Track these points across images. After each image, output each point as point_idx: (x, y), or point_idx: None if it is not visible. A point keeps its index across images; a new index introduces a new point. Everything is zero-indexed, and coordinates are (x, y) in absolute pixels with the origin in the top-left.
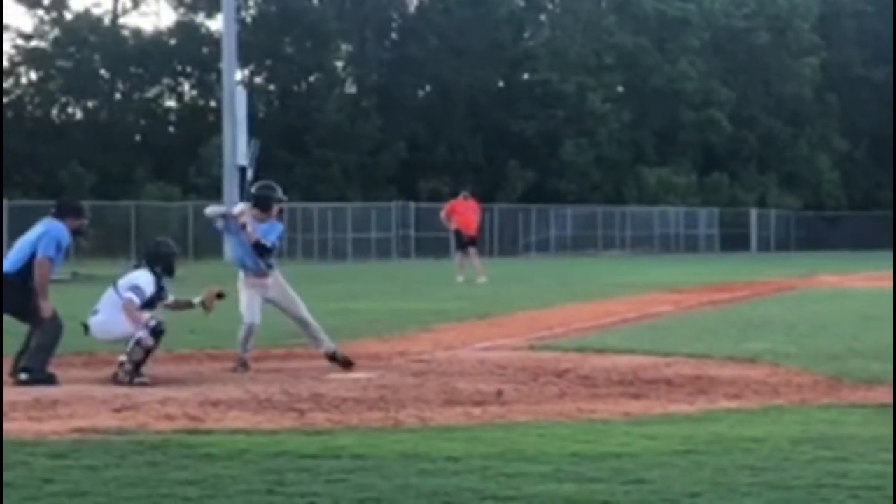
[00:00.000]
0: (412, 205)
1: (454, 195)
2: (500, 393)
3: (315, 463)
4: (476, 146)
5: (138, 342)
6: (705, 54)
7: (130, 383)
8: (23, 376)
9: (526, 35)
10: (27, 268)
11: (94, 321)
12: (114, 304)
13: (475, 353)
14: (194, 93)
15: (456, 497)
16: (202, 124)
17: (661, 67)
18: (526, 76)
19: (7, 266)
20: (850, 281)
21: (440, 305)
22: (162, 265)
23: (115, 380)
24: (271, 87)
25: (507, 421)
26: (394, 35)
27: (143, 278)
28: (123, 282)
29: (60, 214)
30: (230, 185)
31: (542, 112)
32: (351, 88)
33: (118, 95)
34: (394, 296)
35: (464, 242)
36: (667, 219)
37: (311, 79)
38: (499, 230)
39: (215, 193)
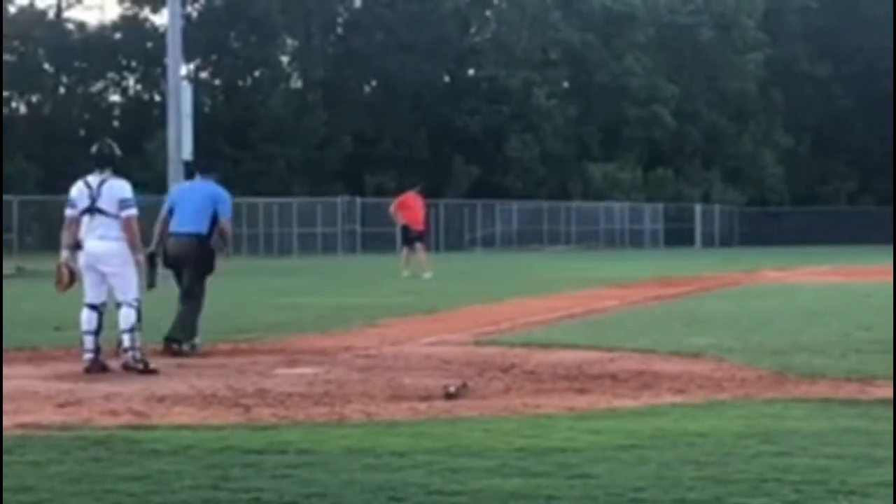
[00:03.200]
0: (358, 200)
1: (400, 190)
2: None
3: (260, 458)
4: (421, 141)
5: (132, 329)
6: (650, 50)
7: (147, 368)
8: (185, 347)
9: (472, 30)
10: (213, 229)
11: (106, 249)
12: (114, 233)
13: (421, 348)
14: (139, 87)
15: (401, 492)
16: (147, 119)
17: (607, 63)
18: (471, 71)
19: (202, 229)
20: (793, 276)
21: (386, 300)
22: (120, 167)
23: (125, 367)
24: (216, 81)
25: (452, 416)
26: (339, 30)
27: (126, 186)
28: (110, 200)
29: (207, 171)
30: (175, 180)
31: (488, 107)
32: (296, 83)
33: (62, 90)
34: (339, 291)
35: (410, 237)
36: (612, 214)
37: (257, 73)
38: (444, 225)
39: (160, 188)
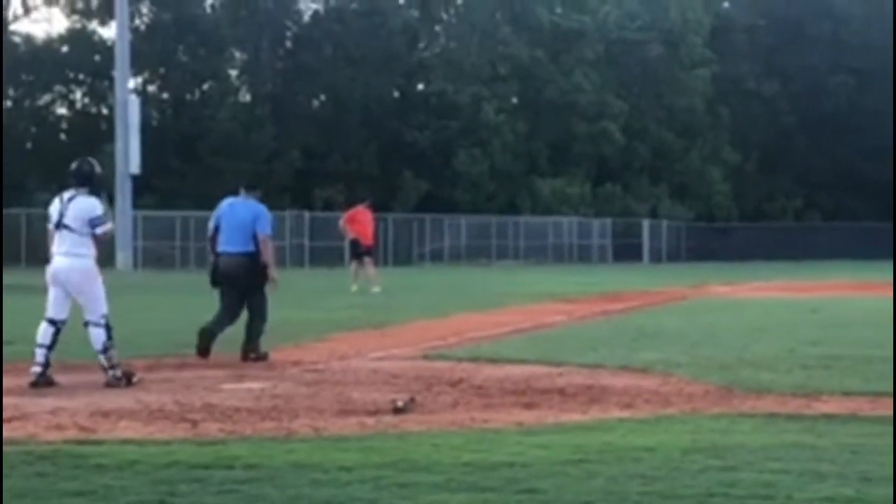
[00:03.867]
0: (306, 214)
1: (349, 204)
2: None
3: (207, 473)
4: (370, 156)
5: (105, 350)
6: (599, 66)
7: (130, 382)
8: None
9: (421, 45)
10: (257, 246)
11: (70, 265)
12: (81, 249)
13: (369, 362)
14: (86, 100)
15: None
16: (94, 132)
17: (556, 79)
18: (420, 86)
19: (249, 247)
20: (740, 291)
21: (334, 315)
22: (100, 187)
23: (107, 385)
24: (164, 94)
25: (400, 430)
26: (288, 44)
27: (97, 204)
28: (75, 218)
29: (251, 188)
30: (122, 194)
31: (437, 122)
32: (245, 97)
33: (9, 103)
34: (287, 305)
35: (359, 252)
36: (560, 229)
37: (205, 87)
38: (393, 240)
39: (107, 201)
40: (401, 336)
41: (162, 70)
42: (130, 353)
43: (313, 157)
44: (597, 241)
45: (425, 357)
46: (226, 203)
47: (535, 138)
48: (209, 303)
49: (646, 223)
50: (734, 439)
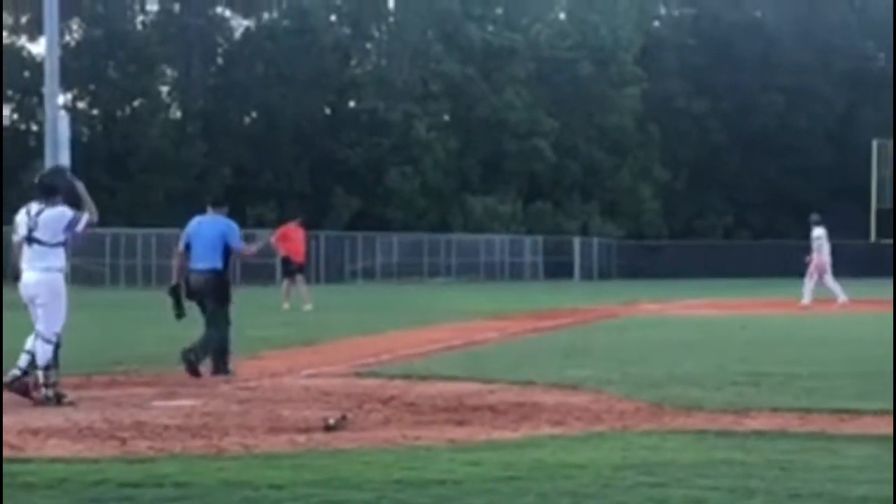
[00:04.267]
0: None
1: (281, 222)
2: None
3: (137, 491)
4: (302, 173)
5: (47, 367)
6: (530, 84)
7: (60, 402)
8: (225, 376)
9: (352, 63)
10: (227, 262)
11: (37, 279)
12: (46, 264)
13: (301, 379)
14: (15, 116)
15: None
16: (24, 149)
17: (487, 97)
18: (352, 104)
19: (218, 264)
20: (670, 309)
21: (266, 332)
22: (72, 198)
23: (36, 403)
24: (95, 111)
25: (331, 448)
26: (219, 60)
27: (63, 213)
28: (45, 230)
29: (218, 205)
30: None
31: (368, 140)
32: (176, 113)
33: None
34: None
35: (291, 269)
36: (492, 247)
37: (136, 103)
38: (325, 257)
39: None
40: (333, 353)
41: (92, 86)
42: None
43: (244, 174)
44: (528, 258)
45: (357, 374)
46: (195, 221)
47: (467, 156)
48: (139, 319)
49: (577, 241)
50: (664, 456)
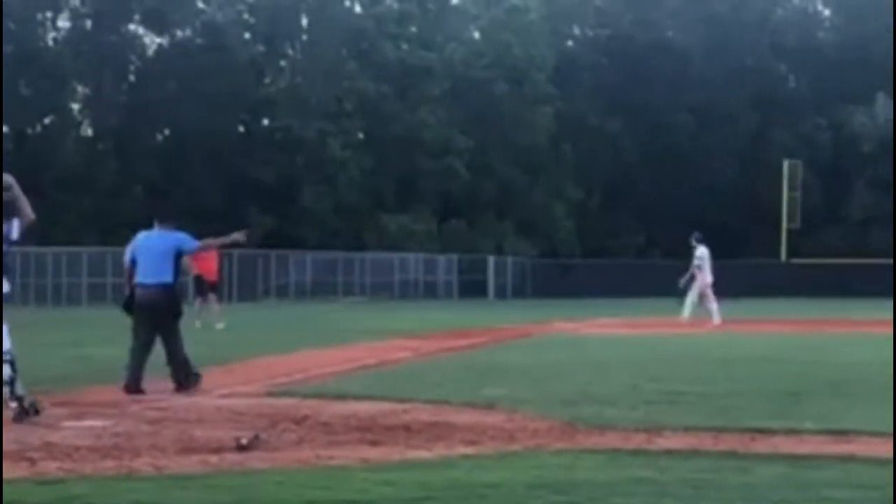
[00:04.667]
0: None
1: None
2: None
3: None
4: (215, 191)
5: (12, 381)
6: (445, 103)
7: (37, 412)
8: (187, 386)
9: (266, 80)
10: (178, 275)
11: None
12: None
13: (213, 399)
14: None
15: None
16: None
17: (402, 115)
18: (266, 121)
19: (167, 278)
20: (584, 328)
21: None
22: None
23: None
24: (5, 128)
25: (244, 468)
26: (132, 78)
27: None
28: None
29: (165, 219)
30: None
31: (282, 158)
32: (87, 131)
33: None
34: (129, 342)
35: (203, 288)
36: (406, 265)
37: (47, 121)
38: (238, 275)
39: None
40: (245, 373)
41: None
42: None
43: (157, 192)
44: (442, 277)
45: (270, 394)
46: (141, 236)
47: (381, 174)
48: (49, 339)
49: (491, 259)
50: (578, 475)
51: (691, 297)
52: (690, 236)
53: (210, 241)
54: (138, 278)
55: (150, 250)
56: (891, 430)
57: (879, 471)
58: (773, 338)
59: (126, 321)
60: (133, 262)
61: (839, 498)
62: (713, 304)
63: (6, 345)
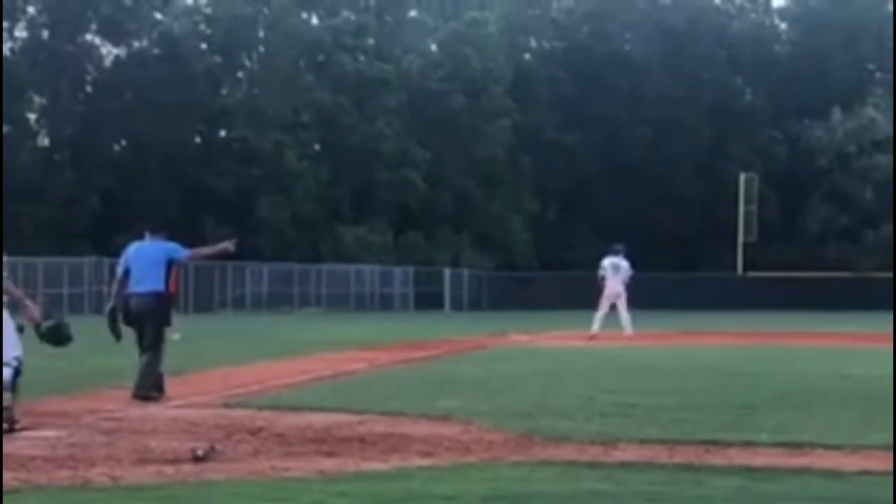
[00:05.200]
0: (105, 260)
1: None
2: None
3: None
4: (172, 202)
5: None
6: (402, 115)
7: (12, 428)
8: (154, 395)
9: (223, 91)
10: (168, 284)
11: None
12: None
13: (168, 410)
14: None
15: None
16: None
17: (359, 126)
18: (223, 132)
19: (160, 286)
20: (540, 340)
21: (133, 362)
22: None
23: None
24: None
25: (199, 479)
26: (88, 88)
27: None
28: None
29: (157, 231)
30: None
31: (239, 169)
32: (44, 141)
33: None
34: (85, 352)
35: None
36: (362, 277)
37: (3, 130)
38: (194, 286)
39: None
40: (201, 384)
41: None
42: None
43: (113, 202)
44: (398, 289)
45: (226, 405)
46: (132, 247)
47: (338, 185)
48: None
49: (447, 272)
50: (534, 487)
51: (622, 311)
52: (611, 248)
53: (200, 250)
54: (132, 287)
55: (143, 260)
56: (846, 442)
57: (834, 483)
58: (728, 350)
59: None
60: (126, 272)
61: None
62: (603, 316)
63: (17, 351)
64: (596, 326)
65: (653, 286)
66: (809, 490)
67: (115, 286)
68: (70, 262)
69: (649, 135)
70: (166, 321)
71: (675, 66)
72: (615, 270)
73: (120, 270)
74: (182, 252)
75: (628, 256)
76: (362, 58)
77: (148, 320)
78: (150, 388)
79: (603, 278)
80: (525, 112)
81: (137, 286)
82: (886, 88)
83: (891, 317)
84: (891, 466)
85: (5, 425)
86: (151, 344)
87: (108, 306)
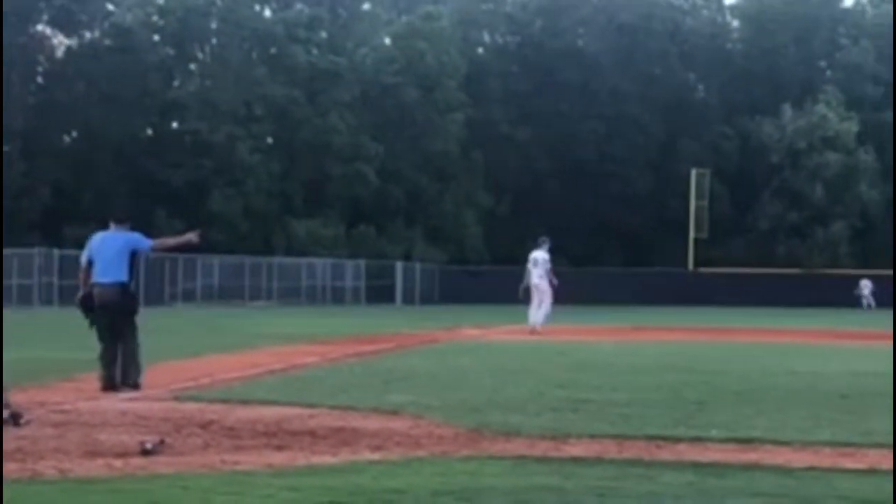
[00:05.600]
0: (56, 252)
1: None
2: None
3: None
4: (123, 194)
5: None
6: (355, 108)
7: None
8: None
9: (175, 83)
10: (132, 273)
11: None
12: None
13: (118, 403)
14: None
15: None
16: None
17: (311, 120)
18: (175, 125)
19: (123, 277)
20: (491, 334)
21: (83, 354)
22: None
23: None
24: None
25: (148, 473)
26: (40, 79)
27: None
28: None
29: (121, 221)
30: None
31: (191, 161)
32: None
33: None
34: (34, 344)
35: None
36: (314, 270)
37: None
38: (145, 279)
39: None
40: (151, 377)
41: None
42: None
43: (64, 194)
44: (350, 282)
45: (176, 398)
46: (97, 237)
47: (290, 179)
48: None
49: (399, 265)
50: (484, 482)
51: (533, 305)
52: (539, 240)
53: (165, 240)
54: (95, 278)
55: (106, 250)
56: (795, 438)
57: (783, 479)
58: (679, 346)
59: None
60: (90, 262)
61: None
62: (544, 309)
63: None
64: (535, 320)
65: (604, 281)
66: (758, 485)
67: (80, 275)
68: (20, 253)
69: (601, 130)
70: (135, 310)
71: (627, 62)
72: (534, 264)
73: (84, 260)
74: (146, 242)
75: (551, 251)
76: (315, 51)
77: (115, 311)
78: (136, 376)
79: (528, 272)
80: (478, 106)
81: (101, 277)
82: (837, 86)
83: (840, 313)
84: (838, 463)
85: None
86: (124, 334)
87: (79, 294)
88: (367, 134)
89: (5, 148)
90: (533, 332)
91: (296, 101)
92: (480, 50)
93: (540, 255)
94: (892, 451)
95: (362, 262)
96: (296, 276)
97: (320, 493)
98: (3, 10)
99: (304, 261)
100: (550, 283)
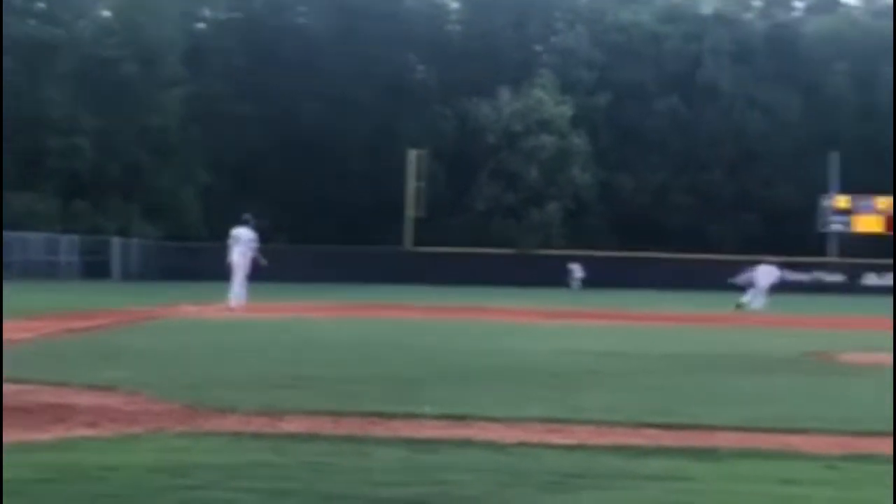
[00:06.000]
0: None
1: None
2: None
3: None
4: None
5: None
6: (72, 81)
7: None
8: None
9: None
10: None
11: None
12: None
13: None
14: None
15: None
16: None
17: (28, 92)
18: None
19: None
20: (209, 311)
21: None
22: None
23: None
24: None
25: None
26: None
27: None
28: None
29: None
30: None
31: None
32: None
33: None
34: None
35: None
36: (27, 245)
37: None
38: None
39: None
40: None
41: None
42: None
43: None
44: (64, 257)
45: None
46: None
47: (5, 152)
48: None
49: (116, 241)
50: (199, 458)
51: (234, 282)
52: (243, 217)
53: None
54: None
55: None
56: (505, 415)
57: (495, 454)
58: (395, 324)
59: None
60: None
61: (454, 480)
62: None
63: None
64: (232, 298)
65: (321, 260)
66: (471, 461)
67: None
68: None
69: (322, 109)
70: None
71: (348, 41)
72: (236, 241)
73: None
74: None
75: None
76: (32, 21)
77: None
78: None
79: (229, 247)
80: (198, 82)
81: None
82: (553, 70)
83: (552, 292)
84: (546, 438)
85: None
86: None
87: None
88: (85, 107)
89: None
90: (229, 308)
91: (11, 73)
92: (201, 25)
93: (244, 233)
94: (599, 427)
95: (76, 238)
96: (8, 250)
97: (32, 470)
98: None
99: (17, 235)
100: (257, 262)
